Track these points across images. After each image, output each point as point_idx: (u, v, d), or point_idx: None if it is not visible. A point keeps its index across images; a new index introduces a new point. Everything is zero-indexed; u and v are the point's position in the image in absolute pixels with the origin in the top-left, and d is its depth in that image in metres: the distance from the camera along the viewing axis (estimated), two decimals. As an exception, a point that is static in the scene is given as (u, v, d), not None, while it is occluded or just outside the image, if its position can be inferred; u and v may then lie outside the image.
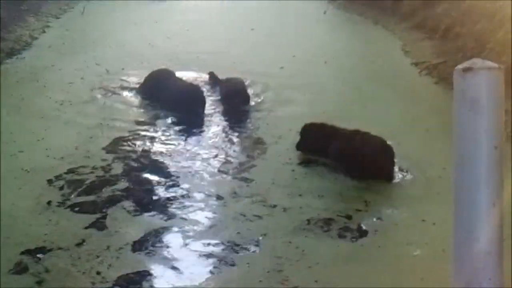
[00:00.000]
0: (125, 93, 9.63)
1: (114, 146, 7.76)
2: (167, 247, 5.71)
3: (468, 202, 2.84)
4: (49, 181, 6.75)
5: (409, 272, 5.33)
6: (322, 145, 7.28)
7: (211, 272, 5.35)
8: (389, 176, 6.97)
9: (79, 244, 5.63)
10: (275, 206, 6.41)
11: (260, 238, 5.83)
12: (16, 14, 13.03)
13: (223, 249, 5.67)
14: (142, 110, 9.04)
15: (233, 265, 5.43)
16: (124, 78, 10.27)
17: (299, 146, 7.52)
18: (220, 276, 5.31)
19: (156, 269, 5.37)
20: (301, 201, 6.47)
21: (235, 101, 8.98)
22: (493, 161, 2.79)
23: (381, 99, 9.43)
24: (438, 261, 5.36)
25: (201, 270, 5.38)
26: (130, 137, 8.06)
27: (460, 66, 2.88)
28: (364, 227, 6.03)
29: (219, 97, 9.30)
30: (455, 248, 2.93)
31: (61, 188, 6.63)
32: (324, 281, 5.19)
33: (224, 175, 7.12)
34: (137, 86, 9.78)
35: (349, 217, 6.17)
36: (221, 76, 10.09)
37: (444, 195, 6.48)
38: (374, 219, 6.19)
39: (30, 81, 9.91)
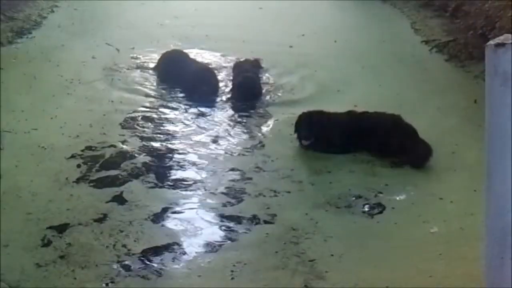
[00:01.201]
0: (137, 72, 9.66)
1: (129, 122, 7.87)
2: (187, 220, 5.84)
3: (500, 176, 2.88)
4: (67, 158, 6.84)
5: (425, 248, 5.39)
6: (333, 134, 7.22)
7: (229, 239, 5.56)
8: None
9: (101, 219, 5.75)
10: (300, 181, 6.54)
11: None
12: (24, -6, 12.97)
13: (242, 221, 5.83)
14: (154, 88, 9.08)
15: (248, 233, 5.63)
16: (134, 56, 10.28)
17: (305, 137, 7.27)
18: (238, 243, 5.48)
19: (178, 241, 5.49)
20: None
21: (247, 97, 8.79)
22: (525, 134, 2.83)
23: (392, 77, 9.45)
24: (455, 239, 5.47)
25: (219, 239, 5.57)
26: (144, 114, 8.15)
27: (492, 42, 2.91)
28: (382, 204, 6.10)
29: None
30: (487, 223, 2.97)
31: (79, 165, 6.72)
32: (338, 254, 5.29)
33: (246, 152, 7.25)
34: (147, 64, 9.85)
35: (364, 197, 6.24)
36: (232, 55, 10.15)
37: (460, 172, 6.59)
38: (391, 197, 6.25)
39: (42, 61, 9.91)
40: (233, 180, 6.56)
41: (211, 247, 5.44)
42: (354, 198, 6.19)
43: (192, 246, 5.45)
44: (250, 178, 6.59)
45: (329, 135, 7.15)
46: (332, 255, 5.29)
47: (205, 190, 6.38)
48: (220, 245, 5.46)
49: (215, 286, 5.00)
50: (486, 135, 2.96)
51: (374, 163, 6.92)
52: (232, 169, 6.79)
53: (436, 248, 5.36)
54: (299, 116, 7.28)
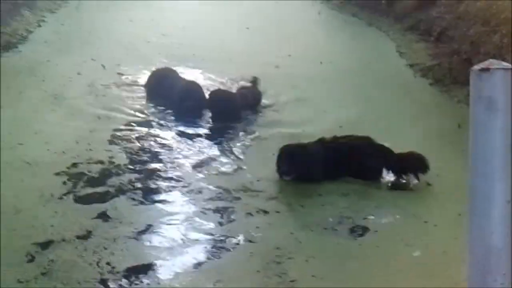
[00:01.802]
0: (123, 88, 9.69)
1: (115, 139, 7.88)
2: (171, 238, 5.81)
3: (483, 199, 2.92)
4: (52, 174, 6.80)
5: (407, 272, 5.35)
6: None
7: (213, 257, 5.53)
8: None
9: (85, 236, 5.69)
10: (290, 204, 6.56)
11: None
12: (11, 7, 12.94)
13: (227, 240, 5.81)
14: (141, 105, 9.11)
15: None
16: (120, 73, 10.32)
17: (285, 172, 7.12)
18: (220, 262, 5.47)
19: (161, 260, 5.44)
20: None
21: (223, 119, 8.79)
22: (508, 160, 2.88)
23: (377, 99, 9.50)
24: (438, 263, 5.46)
25: (202, 257, 5.53)
26: (130, 131, 8.18)
27: (476, 67, 2.96)
28: (367, 227, 6.09)
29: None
30: (470, 244, 3.00)
31: (64, 181, 6.68)
32: (319, 276, 5.25)
33: (233, 171, 7.27)
34: (133, 81, 9.95)
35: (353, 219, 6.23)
36: (216, 73, 10.25)
37: (445, 195, 6.63)
38: (378, 220, 6.24)
39: (28, 75, 9.90)
40: (219, 199, 6.55)
41: (193, 265, 5.40)
42: (341, 220, 6.16)
43: (174, 264, 5.41)
44: (239, 198, 6.58)
45: (310, 168, 7.07)
46: (313, 276, 5.27)
47: (191, 208, 6.37)
48: (202, 263, 5.42)
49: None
50: (469, 159, 3.00)
51: (370, 186, 6.94)
52: (219, 187, 6.78)
53: (417, 272, 5.33)
54: (280, 150, 7.14)
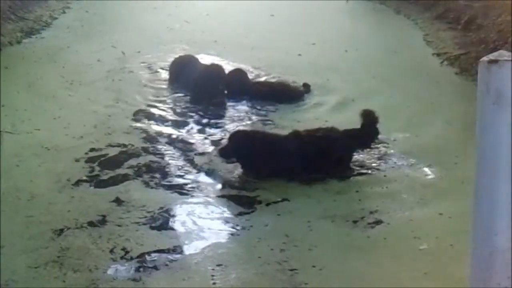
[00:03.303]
0: (142, 74, 9.61)
1: (134, 123, 7.84)
2: (183, 222, 5.80)
3: (489, 197, 2.77)
4: (71, 159, 6.79)
5: (411, 265, 5.20)
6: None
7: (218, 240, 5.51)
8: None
9: (100, 222, 5.67)
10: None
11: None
12: (37, -6, 13.01)
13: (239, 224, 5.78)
14: (160, 90, 9.04)
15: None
16: (140, 60, 10.25)
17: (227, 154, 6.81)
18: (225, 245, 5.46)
19: (173, 245, 5.41)
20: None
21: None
22: (516, 155, 2.72)
23: (403, 88, 9.28)
24: (443, 256, 5.29)
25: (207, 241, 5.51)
26: (148, 115, 8.13)
27: (485, 58, 2.80)
28: (379, 218, 5.92)
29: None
30: (474, 244, 2.85)
31: (83, 166, 6.67)
32: (321, 266, 5.17)
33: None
34: (153, 67, 9.88)
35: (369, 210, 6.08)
36: (238, 61, 10.11)
37: (464, 185, 6.44)
38: (391, 211, 6.06)
39: (47, 62, 9.91)
40: (235, 186, 6.48)
41: (200, 250, 5.37)
42: (357, 212, 6.02)
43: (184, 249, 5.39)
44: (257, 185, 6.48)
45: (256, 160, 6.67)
46: (314, 266, 5.18)
47: (205, 192, 6.32)
48: (206, 247, 5.39)
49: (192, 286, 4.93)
50: (476, 154, 2.85)
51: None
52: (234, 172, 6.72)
53: (422, 266, 5.17)
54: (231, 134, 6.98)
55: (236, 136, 6.84)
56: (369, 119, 6.91)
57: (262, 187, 6.41)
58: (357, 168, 6.86)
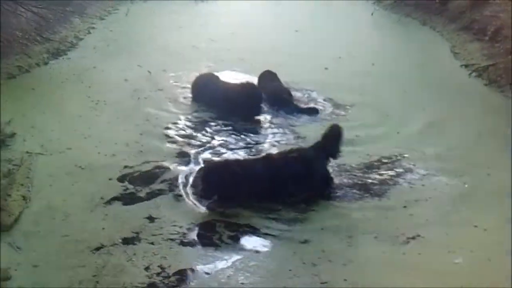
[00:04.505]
0: (168, 92, 9.61)
1: (165, 140, 7.86)
2: (215, 236, 5.81)
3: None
4: (104, 177, 6.79)
5: (445, 280, 5.15)
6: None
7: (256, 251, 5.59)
8: None
9: (134, 239, 5.68)
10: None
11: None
12: (62, 15, 13.06)
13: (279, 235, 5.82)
14: (187, 108, 9.02)
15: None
16: (166, 78, 10.26)
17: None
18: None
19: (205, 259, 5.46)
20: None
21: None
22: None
23: (434, 101, 9.20)
24: (480, 271, 5.22)
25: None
26: (179, 132, 8.12)
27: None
28: (415, 234, 5.85)
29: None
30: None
31: (115, 184, 6.67)
32: (351, 281, 5.17)
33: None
34: (179, 85, 9.89)
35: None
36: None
37: (498, 197, 6.33)
38: (425, 226, 6.00)
39: (74, 82, 9.94)
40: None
41: (229, 262, 5.43)
42: (394, 228, 5.95)
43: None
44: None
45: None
46: (345, 279, 5.17)
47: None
48: (237, 260, 5.44)
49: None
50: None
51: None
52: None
53: (456, 280, 5.11)
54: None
55: (210, 173, 6.47)
56: (332, 132, 6.84)
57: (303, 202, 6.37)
58: (392, 182, 6.81)
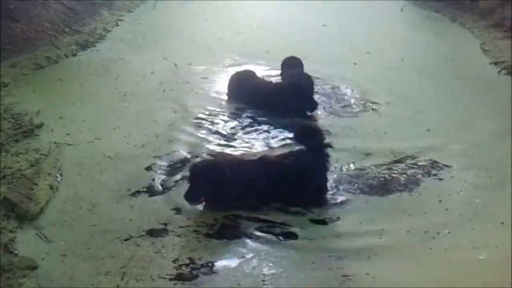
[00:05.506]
0: (194, 85, 9.57)
1: (194, 131, 7.87)
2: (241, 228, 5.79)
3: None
4: (132, 167, 6.82)
5: (468, 277, 5.09)
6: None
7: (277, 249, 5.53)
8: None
9: (162, 231, 5.69)
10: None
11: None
12: (90, 7, 13.19)
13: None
14: (214, 100, 8.99)
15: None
16: (192, 71, 10.25)
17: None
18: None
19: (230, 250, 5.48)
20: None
21: None
22: None
23: (463, 98, 9.09)
24: (503, 267, 5.15)
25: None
26: (209, 124, 8.11)
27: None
28: (440, 230, 5.80)
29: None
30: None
31: (144, 174, 6.69)
32: (375, 273, 5.15)
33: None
34: (206, 78, 9.86)
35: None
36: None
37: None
38: (451, 222, 5.94)
39: (102, 74, 9.98)
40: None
41: (254, 252, 5.45)
42: (421, 224, 5.90)
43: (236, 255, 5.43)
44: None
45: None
46: (368, 273, 5.15)
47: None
48: (264, 256, 5.41)
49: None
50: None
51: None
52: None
53: (480, 276, 5.07)
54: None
55: (197, 174, 5.99)
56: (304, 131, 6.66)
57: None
58: (422, 178, 6.75)
